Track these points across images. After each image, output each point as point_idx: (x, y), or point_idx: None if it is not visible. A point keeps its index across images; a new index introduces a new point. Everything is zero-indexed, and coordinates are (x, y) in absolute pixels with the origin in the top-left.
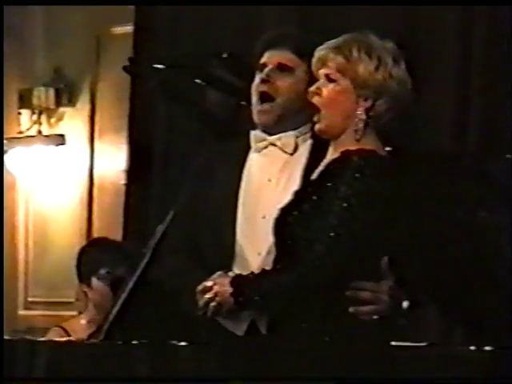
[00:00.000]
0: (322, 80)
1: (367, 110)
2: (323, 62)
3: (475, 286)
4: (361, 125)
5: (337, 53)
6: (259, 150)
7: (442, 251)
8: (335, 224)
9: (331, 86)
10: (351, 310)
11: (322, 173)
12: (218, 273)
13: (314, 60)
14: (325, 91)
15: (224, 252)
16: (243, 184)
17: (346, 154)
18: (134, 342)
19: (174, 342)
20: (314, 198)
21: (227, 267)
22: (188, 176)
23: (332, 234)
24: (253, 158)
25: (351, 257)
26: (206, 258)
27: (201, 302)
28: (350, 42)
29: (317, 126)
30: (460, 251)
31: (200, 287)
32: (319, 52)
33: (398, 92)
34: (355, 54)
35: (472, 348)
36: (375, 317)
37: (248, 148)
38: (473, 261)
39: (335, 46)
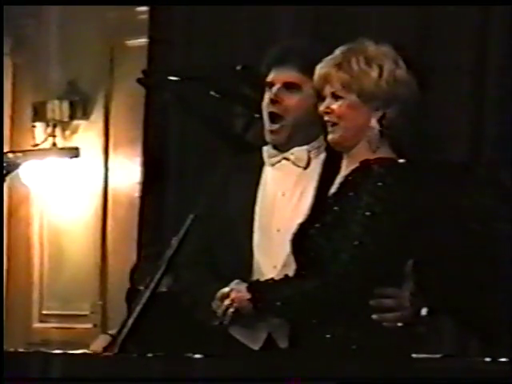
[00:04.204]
0: (329, 98)
1: (380, 120)
2: (326, 80)
3: (490, 296)
4: (375, 135)
5: (338, 69)
6: (273, 164)
7: (457, 262)
8: (359, 232)
9: (339, 102)
10: (375, 317)
11: (342, 184)
12: (236, 281)
13: (316, 78)
14: (335, 109)
15: (241, 266)
16: (259, 198)
17: (365, 164)
18: (149, 355)
19: (190, 354)
20: (336, 208)
21: (244, 280)
22: (204, 191)
23: (356, 243)
24: (267, 172)
25: (375, 264)
26: (224, 271)
27: (219, 310)
28: (347, 55)
29: (330, 136)
30: (475, 262)
31: (218, 294)
32: (320, 70)
33: (405, 95)
34: (356, 67)
35: (487, 359)
36: (399, 324)
37: (262, 163)
38: (488, 272)
39: (335, 63)
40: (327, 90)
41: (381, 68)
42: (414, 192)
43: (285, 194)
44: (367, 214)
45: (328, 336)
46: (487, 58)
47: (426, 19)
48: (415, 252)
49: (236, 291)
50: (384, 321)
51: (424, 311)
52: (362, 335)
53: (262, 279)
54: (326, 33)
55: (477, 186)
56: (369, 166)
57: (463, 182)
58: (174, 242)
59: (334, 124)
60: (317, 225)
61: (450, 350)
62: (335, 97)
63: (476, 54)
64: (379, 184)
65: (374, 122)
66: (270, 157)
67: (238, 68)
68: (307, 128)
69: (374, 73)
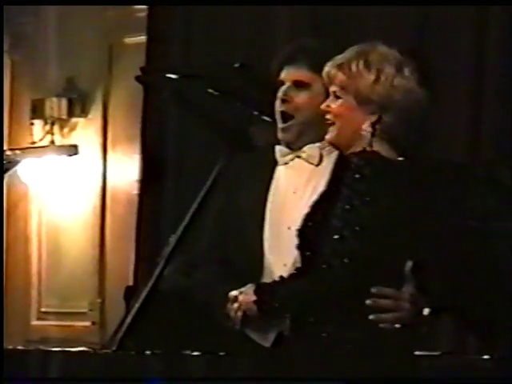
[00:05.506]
0: (331, 97)
1: (373, 124)
2: (330, 79)
3: (488, 295)
4: (367, 139)
5: (338, 69)
6: (286, 163)
7: (454, 260)
8: (339, 226)
9: (339, 102)
10: (372, 317)
11: (329, 180)
12: (249, 285)
13: (323, 76)
14: (334, 108)
15: (252, 264)
16: (270, 196)
17: (347, 158)
18: (147, 352)
19: (188, 351)
20: (324, 205)
21: (257, 279)
22: (217, 188)
23: (336, 237)
24: (280, 171)
25: (361, 259)
26: (235, 269)
27: (231, 313)
28: (351, 56)
29: (328, 135)
30: (473, 260)
31: (229, 297)
32: (326, 68)
33: (404, 102)
34: (354, 69)
35: (486, 357)
36: (397, 325)
37: (275, 162)
38: (486, 270)
39: (337, 63)
40: (331, 89)
41: (379, 73)
42: (395, 186)
43: (296, 191)
44: (346, 207)
45: (324, 335)
46: (486, 58)
47: (426, 19)
48: (410, 251)
49: (244, 294)
50: (381, 321)
51: (426, 311)
52: (359, 334)
53: (272, 277)
54: (325, 32)
55: (475, 185)
56: (348, 159)
57: (461, 181)
58: (172, 239)
59: (332, 123)
60: (309, 223)
61: (449, 348)
62: (336, 96)
63: (475, 53)
64: (357, 176)
65: (367, 125)
66: (283, 156)
67: (237, 65)
68: (318, 125)
69: (371, 76)
